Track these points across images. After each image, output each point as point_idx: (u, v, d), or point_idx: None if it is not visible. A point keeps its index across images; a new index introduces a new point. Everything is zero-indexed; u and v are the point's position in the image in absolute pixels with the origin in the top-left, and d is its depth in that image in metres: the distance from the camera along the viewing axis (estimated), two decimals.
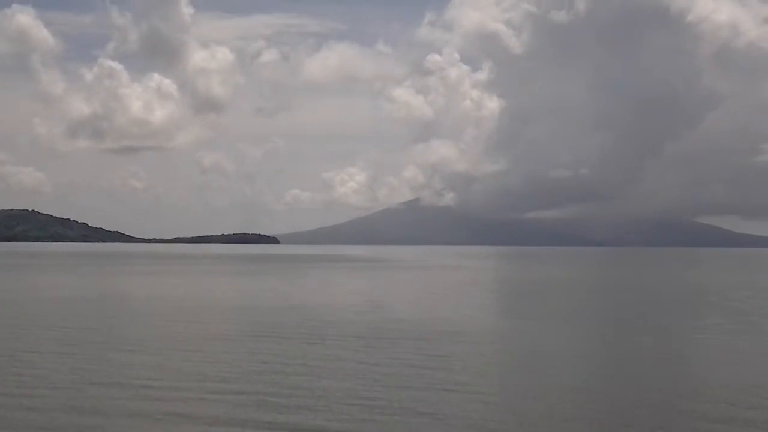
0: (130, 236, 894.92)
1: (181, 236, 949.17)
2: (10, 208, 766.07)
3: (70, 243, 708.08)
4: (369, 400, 25.77)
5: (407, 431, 22.26)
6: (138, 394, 26.59)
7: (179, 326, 46.25)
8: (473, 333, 43.93)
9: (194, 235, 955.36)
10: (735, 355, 37.08)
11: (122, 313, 55.39)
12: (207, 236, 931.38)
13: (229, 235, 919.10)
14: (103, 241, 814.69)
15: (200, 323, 48.01)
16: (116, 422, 23.13)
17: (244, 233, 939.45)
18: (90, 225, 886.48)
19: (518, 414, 24.31)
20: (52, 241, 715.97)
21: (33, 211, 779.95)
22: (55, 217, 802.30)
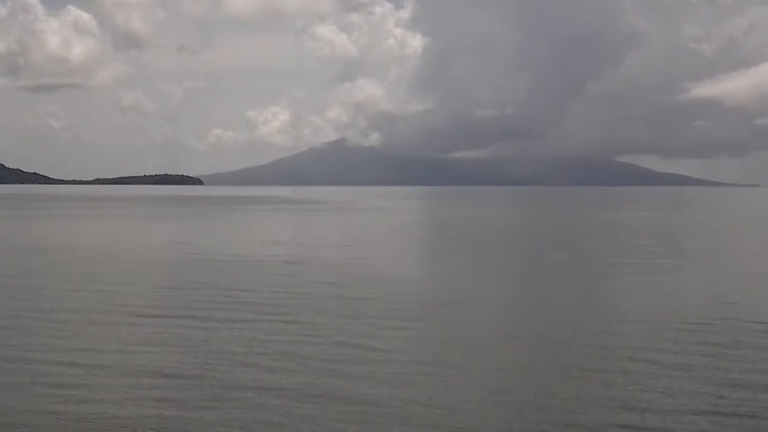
0: (49, 178, 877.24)
1: (101, 177, 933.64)
2: None
3: None
4: (270, 373, 22.58)
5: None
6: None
7: (76, 290, 42.40)
8: (409, 306, 40.98)
9: (115, 176, 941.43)
10: (657, 288, 35.18)
11: (20, 269, 50.97)
12: (128, 177, 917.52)
13: (152, 176, 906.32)
14: (21, 183, 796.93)
15: (96, 286, 44.09)
16: None
17: (166, 174, 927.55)
18: (7, 166, 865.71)
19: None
20: None
21: None
22: None
